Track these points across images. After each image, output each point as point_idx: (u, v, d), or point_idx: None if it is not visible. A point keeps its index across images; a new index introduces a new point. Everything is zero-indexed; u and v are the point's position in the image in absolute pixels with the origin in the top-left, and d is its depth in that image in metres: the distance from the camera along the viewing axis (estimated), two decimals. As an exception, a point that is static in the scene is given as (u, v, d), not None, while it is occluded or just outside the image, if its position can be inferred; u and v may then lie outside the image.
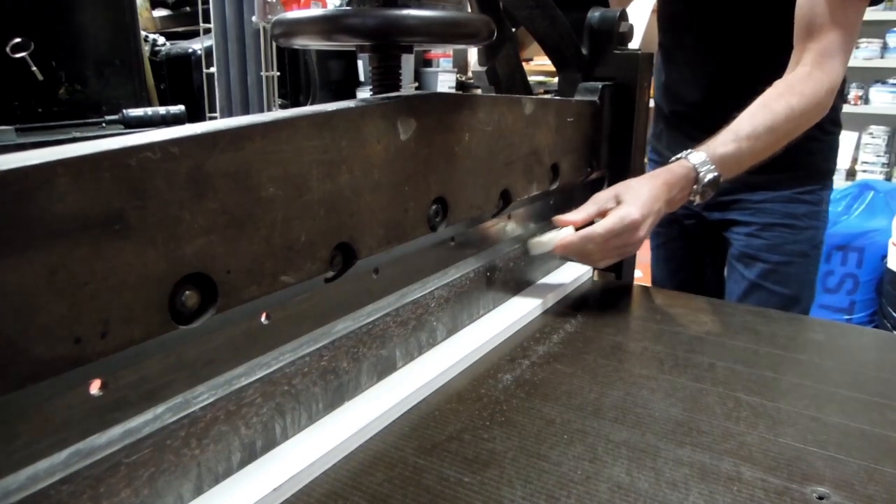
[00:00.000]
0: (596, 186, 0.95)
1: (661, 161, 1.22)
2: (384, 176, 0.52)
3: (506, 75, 0.94)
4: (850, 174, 3.36)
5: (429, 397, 0.59)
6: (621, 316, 0.81)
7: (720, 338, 0.73)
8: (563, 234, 0.79)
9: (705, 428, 0.55)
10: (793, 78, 0.89)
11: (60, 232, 0.31)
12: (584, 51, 0.92)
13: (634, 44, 0.94)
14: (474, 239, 0.71)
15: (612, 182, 0.94)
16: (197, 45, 2.77)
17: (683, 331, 0.75)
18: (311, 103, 2.73)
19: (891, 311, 2.46)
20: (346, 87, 2.92)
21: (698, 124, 1.11)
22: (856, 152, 3.40)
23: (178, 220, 0.36)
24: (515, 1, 0.87)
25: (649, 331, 0.76)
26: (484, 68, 0.93)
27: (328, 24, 0.58)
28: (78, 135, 1.75)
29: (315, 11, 0.59)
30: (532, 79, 2.57)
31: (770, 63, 1.00)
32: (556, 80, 0.96)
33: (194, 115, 2.48)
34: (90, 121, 1.90)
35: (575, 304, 0.83)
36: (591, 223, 0.79)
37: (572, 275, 0.89)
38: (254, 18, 2.58)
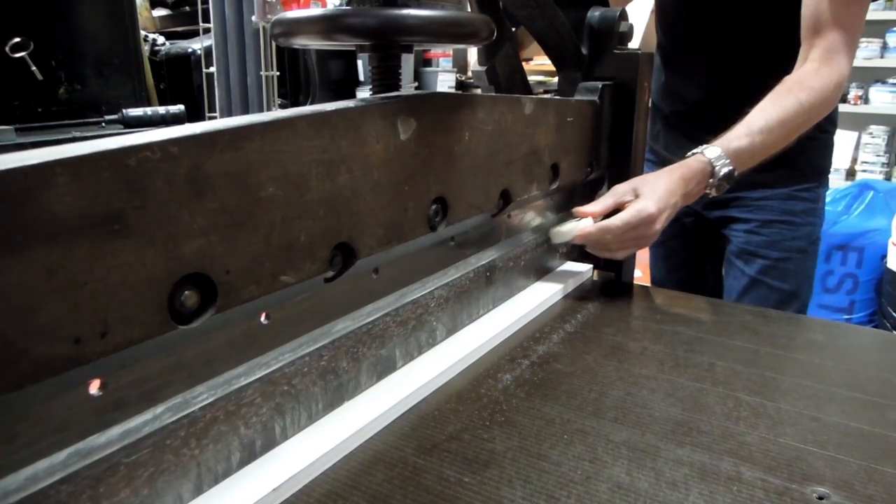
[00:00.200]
0: (596, 186, 0.95)
1: (658, 161, 1.22)
2: (384, 176, 0.52)
3: (505, 75, 0.94)
4: (850, 174, 3.36)
5: (428, 397, 0.59)
6: (621, 316, 0.81)
7: (720, 338, 0.73)
8: (582, 224, 0.83)
9: (705, 428, 0.55)
10: (801, 73, 0.91)
11: (59, 232, 0.31)
12: (584, 50, 0.92)
13: (634, 43, 0.94)
14: (474, 238, 0.71)
15: (611, 182, 0.94)
16: (196, 45, 2.77)
17: (683, 331, 0.75)
18: (311, 103, 2.73)
19: (890, 310, 2.46)
20: (346, 87, 2.92)
21: (698, 124, 1.12)
22: (855, 152, 3.40)
23: (177, 220, 0.36)
24: (515, 0, 0.87)
25: (649, 331, 0.76)
26: (484, 68, 0.93)
27: (328, 24, 0.58)
28: (77, 134, 1.75)
29: (314, 11, 0.59)
30: (532, 78, 2.57)
31: (770, 62, 1.00)
32: (555, 79, 0.96)
33: (194, 114, 2.48)
34: (90, 120, 1.90)
35: (575, 304, 0.83)
36: (609, 214, 0.82)
37: (573, 275, 0.89)
38: (253, 18, 2.58)
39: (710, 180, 0.85)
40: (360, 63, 2.95)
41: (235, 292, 0.41)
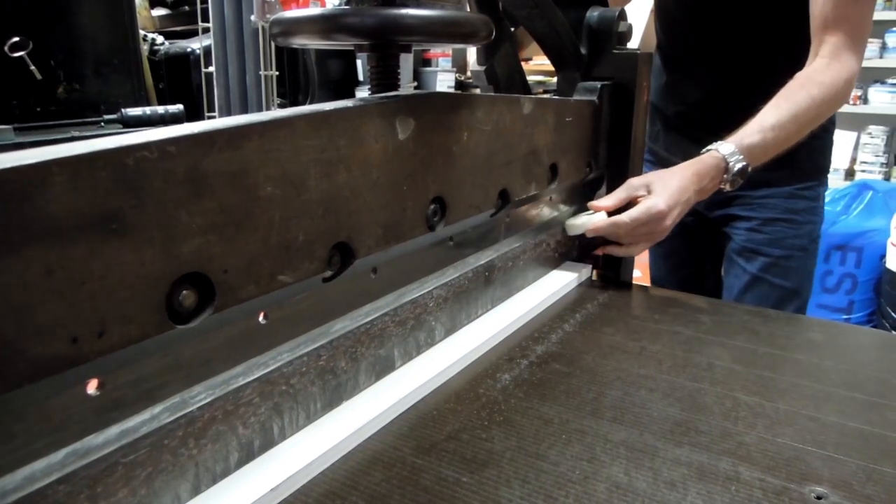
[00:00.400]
0: (595, 186, 0.95)
1: (657, 162, 1.22)
2: (382, 175, 0.52)
3: (505, 75, 0.94)
4: (849, 174, 3.36)
5: (427, 397, 0.59)
6: (620, 316, 0.81)
7: (719, 337, 0.73)
8: (595, 218, 0.86)
9: (704, 428, 0.55)
10: (811, 69, 0.92)
11: (57, 231, 0.31)
12: (583, 50, 0.92)
13: (633, 43, 0.94)
14: (473, 238, 0.71)
15: (610, 181, 0.94)
16: (196, 45, 2.76)
17: (682, 330, 0.75)
18: (310, 103, 2.73)
19: (889, 310, 2.46)
20: (345, 87, 2.92)
21: (700, 124, 1.12)
22: (854, 152, 3.40)
23: (175, 220, 0.36)
24: (514, 0, 0.87)
25: (648, 330, 0.76)
26: (483, 68, 0.93)
27: (327, 24, 0.58)
28: (76, 134, 1.74)
29: (313, 11, 0.59)
30: (531, 78, 2.57)
31: (772, 60, 1.00)
32: (554, 79, 0.96)
33: (193, 114, 2.48)
34: (88, 120, 1.90)
35: (573, 304, 0.83)
36: (624, 208, 0.85)
37: (571, 275, 0.89)
38: (253, 17, 2.57)
39: (725, 176, 0.86)
40: (359, 63, 2.95)
41: (233, 292, 0.41)
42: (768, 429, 0.55)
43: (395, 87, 0.64)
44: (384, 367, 0.59)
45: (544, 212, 0.84)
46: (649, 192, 0.84)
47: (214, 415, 0.43)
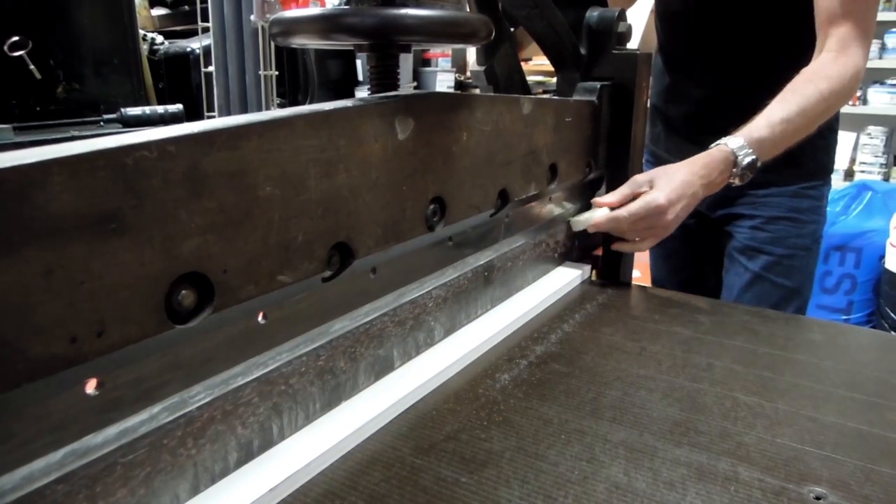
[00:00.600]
0: (595, 186, 0.95)
1: (657, 163, 1.22)
2: (382, 175, 0.52)
3: (504, 75, 0.94)
4: (849, 174, 3.36)
5: (426, 397, 0.59)
6: (619, 316, 0.81)
7: (718, 338, 0.73)
8: (597, 214, 0.86)
9: (703, 428, 0.55)
10: (818, 63, 0.92)
11: (56, 231, 0.31)
12: (583, 50, 0.92)
13: (633, 44, 0.94)
14: (472, 238, 0.71)
15: (610, 182, 0.94)
16: (195, 44, 2.76)
17: (681, 331, 0.75)
18: (310, 102, 2.73)
19: (888, 311, 2.46)
20: (345, 87, 2.92)
21: (703, 125, 1.11)
22: (854, 153, 3.40)
23: (174, 219, 0.36)
24: (514, 0, 0.87)
25: (647, 331, 0.76)
26: (482, 68, 0.93)
27: (326, 24, 0.58)
28: (76, 134, 1.74)
29: (313, 10, 0.59)
30: (531, 78, 2.57)
31: (774, 57, 1.00)
32: (554, 79, 0.96)
33: (192, 114, 2.48)
34: (88, 119, 1.90)
35: (573, 304, 0.83)
36: (630, 203, 0.85)
37: (570, 275, 0.89)
38: (252, 17, 2.57)
39: (734, 170, 0.86)
40: (358, 63, 2.95)
41: (233, 292, 0.41)
42: (767, 429, 0.55)
43: (395, 87, 0.64)
44: (383, 368, 0.59)
45: (545, 210, 0.84)
46: (651, 188, 0.84)
47: (213, 415, 0.43)
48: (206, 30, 2.73)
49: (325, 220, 0.47)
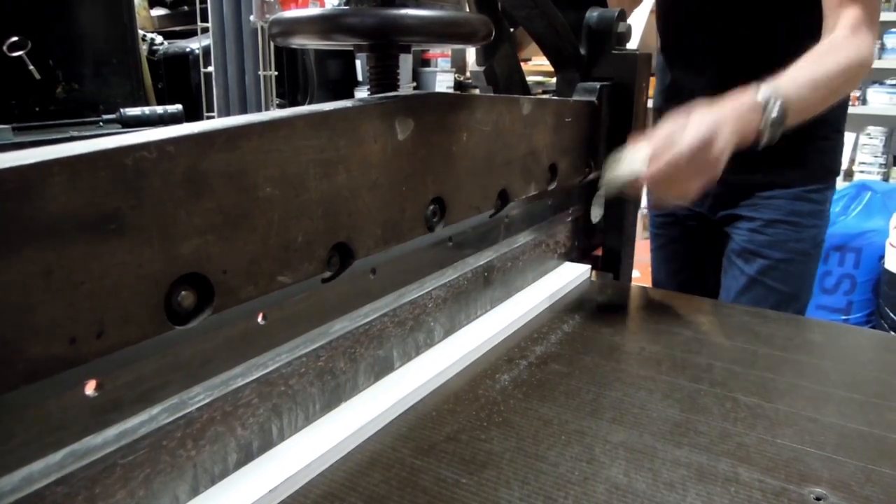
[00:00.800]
0: (594, 186, 0.95)
1: None
2: (382, 176, 0.52)
3: (504, 75, 0.93)
4: (848, 175, 3.36)
5: (426, 398, 0.59)
6: (619, 316, 0.81)
7: (718, 338, 0.73)
8: (637, 162, 0.72)
9: (703, 429, 0.55)
10: (832, 40, 0.90)
11: (56, 231, 0.31)
12: (583, 51, 0.92)
13: (633, 44, 0.94)
14: (472, 239, 0.70)
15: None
16: (195, 45, 2.76)
17: (681, 331, 0.75)
18: (309, 103, 2.73)
19: (888, 311, 2.46)
20: (344, 87, 2.92)
21: None
22: (853, 153, 3.40)
23: (174, 220, 0.36)
24: (514, 1, 0.87)
25: (647, 331, 0.76)
26: (482, 68, 0.93)
27: (326, 24, 0.58)
28: (75, 134, 1.74)
29: (313, 11, 0.59)
30: (530, 79, 2.57)
31: (775, 42, 0.99)
32: (554, 80, 0.96)
33: (192, 114, 2.48)
34: (87, 120, 1.90)
35: (573, 305, 0.83)
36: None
37: (570, 276, 0.89)
38: (252, 17, 2.57)
39: (763, 119, 0.78)
40: (358, 63, 2.95)
41: (232, 292, 0.40)
42: (768, 430, 0.55)
43: (395, 87, 0.64)
44: (383, 368, 0.59)
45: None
46: (686, 124, 0.74)
47: (213, 416, 0.43)
48: (205, 30, 2.73)
49: (325, 220, 0.47)
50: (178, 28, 3.09)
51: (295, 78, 2.84)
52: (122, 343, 0.34)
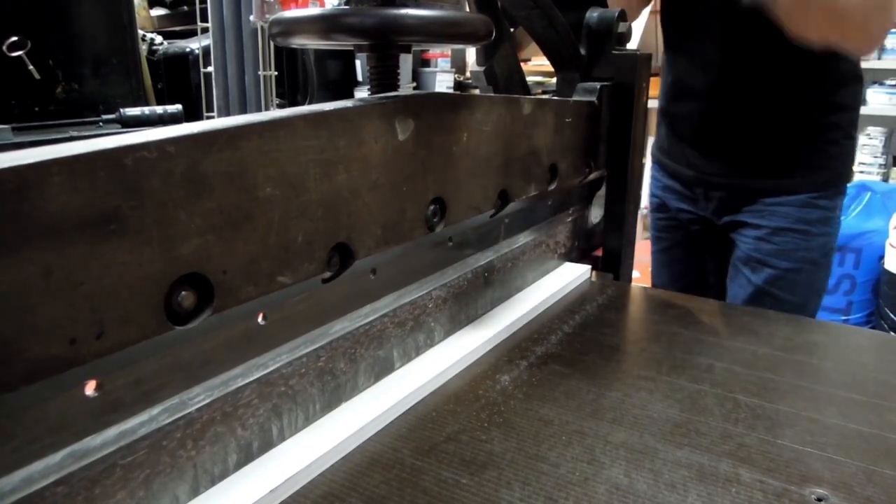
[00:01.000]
0: (594, 186, 0.95)
1: (664, 173, 1.21)
2: (382, 176, 0.52)
3: (504, 75, 0.93)
4: (848, 175, 3.36)
5: (426, 398, 0.59)
6: (619, 317, 0.81)
7: (719, 339, 0.73)
8: None
9: (704, 429, 0.54)
10: None
11: (55, 231, 0.31)
12: (583, 51, 0.92)
13: (633, 44, 0.94)
14: (473, 239, 0.70)
15: (610, 183, 0.94)
16: (194, 45, 2.76)
17: (682, 332, 0.75)
18: (309, 103, 2.73)
19: (888, 311, 2.46)
20: (344, 87, 2.92)
21: (706, 119, 1.09)
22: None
23: (174, 220, 0.36)
24: (514, 1, 0.87)
25: (647, 332, 0.76)
26: (482, 68, 0.93)
27: (326, 24, 0.58)
28: (75, 134, 1.74)
29: (313, 11, 0.59)
30: (530, 79, 2.57)
31: (779, 45, 0.99)
32: (554, 80, 0.96)
33: (191, 114, 2.48)
34: (87, 120, 1.90)
35: (573, 305, 0.83)
36: None
37: (571, 276, 0.89)
38: (252, 18, 2.57)
39: None
40: (358, 63, 2.95)
41: (232, 293, 0.40)
42: (768, 430, 0.54)
43: (395, 87, 0.64)
44: (383, 369, 0.59)
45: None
46: None
47: (213, 416, 0.43)
48: (205, 30, 2.73)
49: (325, 220, 0.47)
50: (177, 28, 3.09)
51: (295, 78, 2.84)
52: (122, 343, 0.34)
